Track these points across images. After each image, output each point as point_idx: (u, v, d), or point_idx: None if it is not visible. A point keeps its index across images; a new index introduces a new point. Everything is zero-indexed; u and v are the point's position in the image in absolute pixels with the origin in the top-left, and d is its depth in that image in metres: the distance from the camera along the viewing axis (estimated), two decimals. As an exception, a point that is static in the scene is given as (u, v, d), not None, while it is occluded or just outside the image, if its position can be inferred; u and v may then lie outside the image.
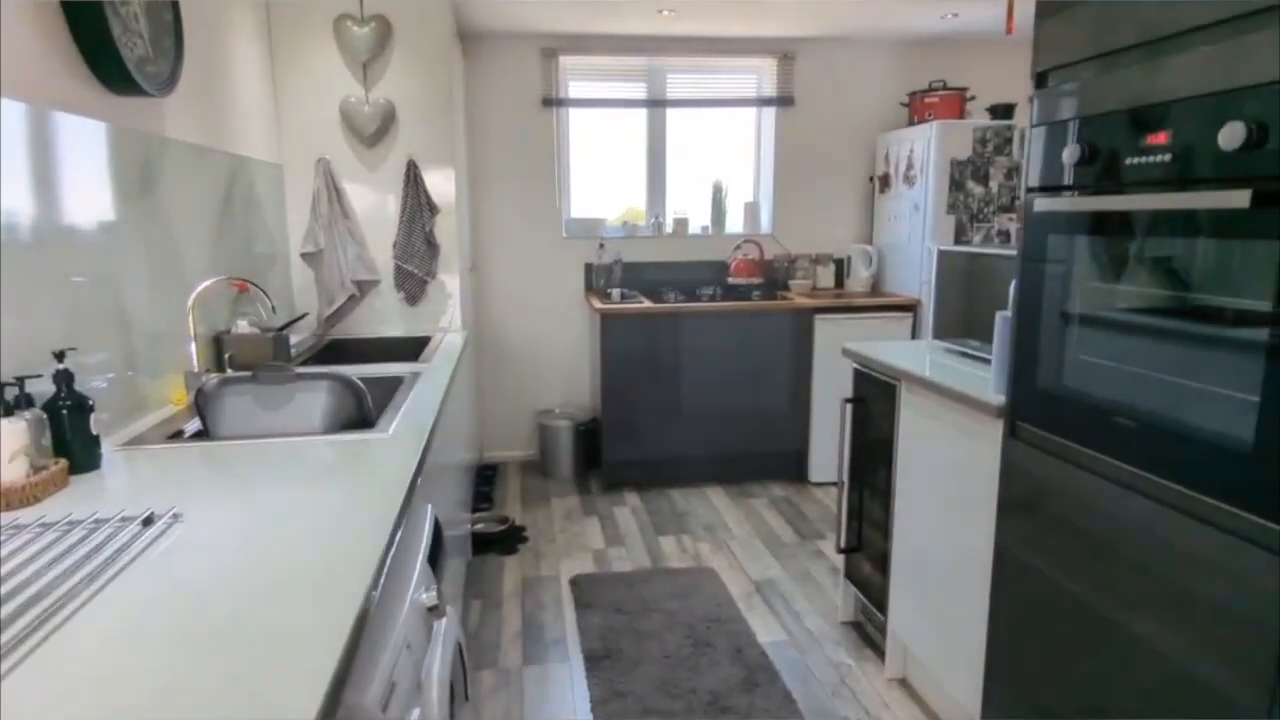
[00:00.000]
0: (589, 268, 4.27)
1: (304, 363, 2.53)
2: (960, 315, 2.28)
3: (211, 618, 0.82)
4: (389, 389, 2.03)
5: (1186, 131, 1.20)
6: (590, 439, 4.17)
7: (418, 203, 2.84)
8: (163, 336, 1.81)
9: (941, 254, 2.30)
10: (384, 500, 1.14)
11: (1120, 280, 1.37)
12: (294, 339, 2.78)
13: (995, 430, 1.75)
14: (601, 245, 4.22)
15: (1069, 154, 1.43)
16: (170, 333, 1.85)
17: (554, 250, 4.26)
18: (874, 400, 2.37)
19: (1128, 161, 1.31)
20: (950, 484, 1.97)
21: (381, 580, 0.92)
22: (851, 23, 3.82)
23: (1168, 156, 1.24)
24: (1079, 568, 1.48)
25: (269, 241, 2.68)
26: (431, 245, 2.91)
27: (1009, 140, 3.80)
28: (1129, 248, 1.34)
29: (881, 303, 3.91)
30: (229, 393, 1.60)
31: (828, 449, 3.96)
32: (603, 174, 4.35)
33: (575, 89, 4.19)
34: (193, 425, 1.63)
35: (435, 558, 1.24)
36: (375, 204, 2.89)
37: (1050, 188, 1.53)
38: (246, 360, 2.00)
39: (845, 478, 2.56)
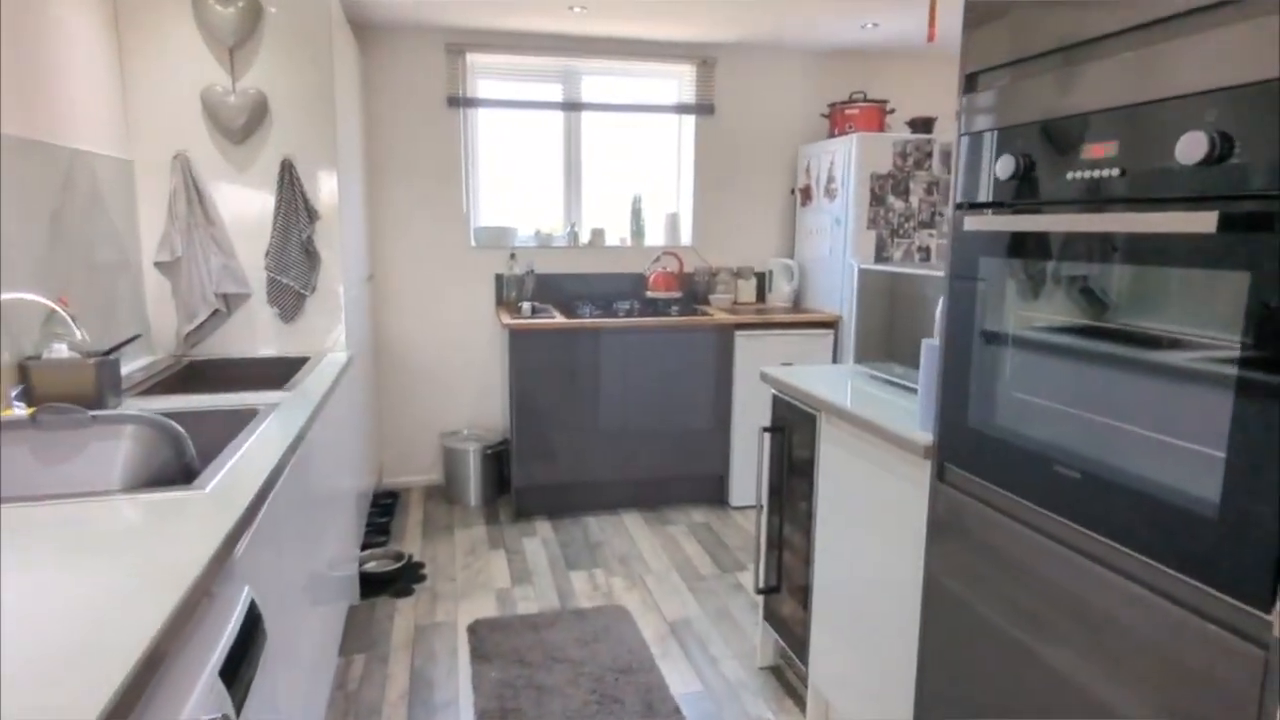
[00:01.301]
0: (499, 279, 4.01)
1: (151, 390, 2.19)
2: (883, 337, 2.13)
3: None
4: (236, 426, 1.73)
5: (1138, 142, 1.05)
6: (500, 463, 3.90)
7: (293, 207, 2.53)
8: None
9: (863, 272, 2.15)
10: (162, 591, 0.87)
11: (1060, 309, 1.21)
12: (143, 361, 2.43)
13: (923, 471, 1.58)
14: (513, 256, 3.96)
15: (1003, 166, 1.27)
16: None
17: (462, 260, 3.97)
18: (794, 429, 2.19)
19: (1070, 176, 1.16)
20: (875, 523, 1.80)
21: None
22: (770, 29, 3.68)
23: (1116, 171, 1.08)
24: (1015, 623, 1.31)
25: (116, 248, 2.32)
26: (310, 255, 2.59)
27: (929, 154, 3.74)
28: (1070, 273, 1.19)
29: (803, 319, 3.78)
30: (-1, 441, 1.29)
31: (749, 471, 3.80)
32: (515, 180, 4.09)
33: (485, 88, 3.93)
34: (-39, 480, 1.31)
35: (241, 662, 0.98)
36: (245, 208, 2.56)
37: (982, 204, 1.37)
38: (59, 393, 1.67)
39: (763, 513, 2.38)
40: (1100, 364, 1.13)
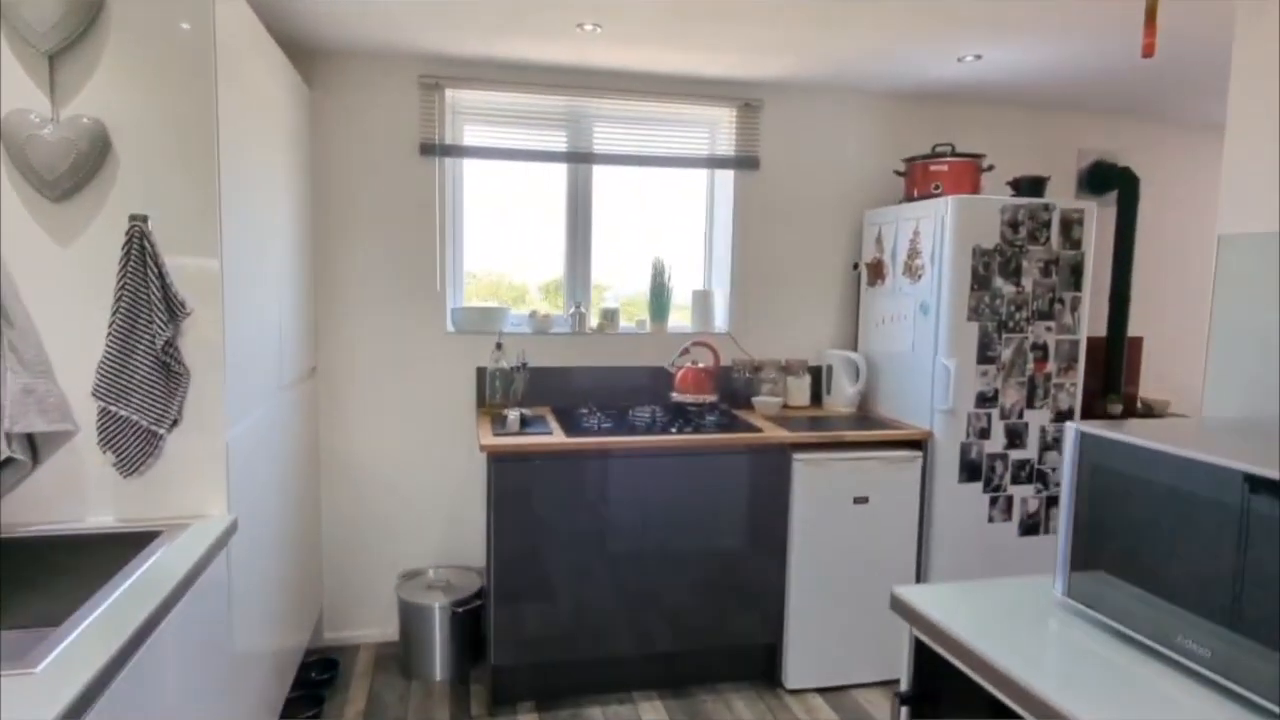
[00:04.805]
0: (481, 374, 3.10)
1: None
2: (1114, 543, 1.20)
3: None
4: None
5: None
6: (477, 623, 2.93)
7: (140, 298, 1.63)
8: None
9: (1086, 439, 1.22)
10: None
11: None
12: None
13: None
14: (499, 345, 3.06)
15: None
16: None
17: (435, 350, 3.08)
18: (953, 703, 1.24)
19: None
20: None
21: None
22: (833, 63, 2.85)
23: None
24: None
25: None
26: (172, 371, 1.69)
27: (1046, 224, 2.86)
28: None
29: (881, 437, 2.84)
30: None
31: (809, 641, 2.81)
32: (506, 249, 3.22)
33: (469, 133, 3.09)
34: None
35: None
36: (69, 300, 1.67)
37: None
38: None
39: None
40: None
